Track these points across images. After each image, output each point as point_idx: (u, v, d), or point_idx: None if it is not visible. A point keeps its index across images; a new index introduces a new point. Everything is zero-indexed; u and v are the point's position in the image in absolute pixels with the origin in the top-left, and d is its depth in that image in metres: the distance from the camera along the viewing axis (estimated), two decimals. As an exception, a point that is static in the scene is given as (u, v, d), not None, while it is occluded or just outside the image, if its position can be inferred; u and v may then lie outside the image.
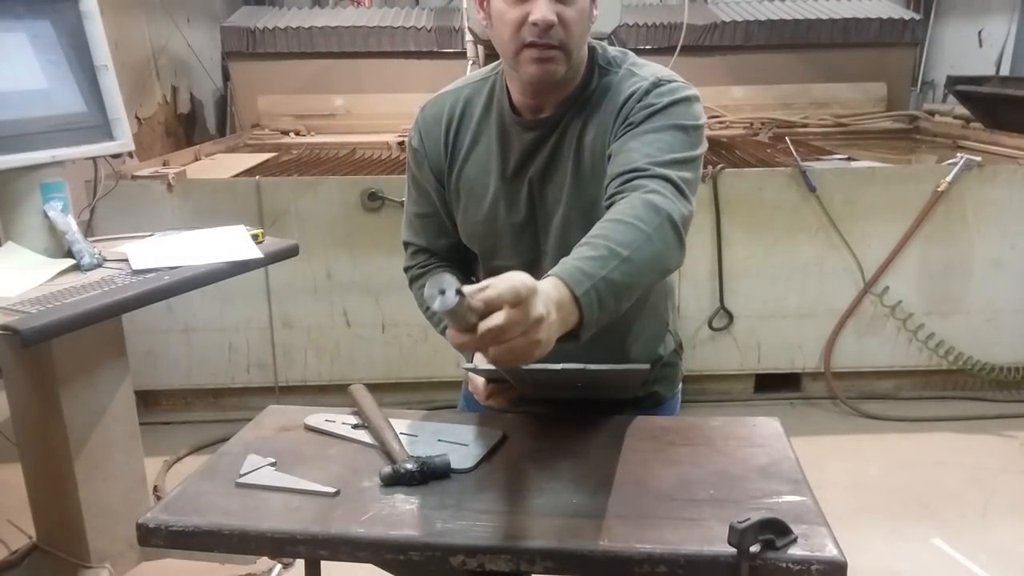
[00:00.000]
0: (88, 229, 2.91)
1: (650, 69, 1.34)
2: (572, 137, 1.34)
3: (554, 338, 0.97)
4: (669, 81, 1.30)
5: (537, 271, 1.40)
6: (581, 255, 1.08)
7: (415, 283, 1.53)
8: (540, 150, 1.36)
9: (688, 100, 1.28)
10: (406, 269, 1.55)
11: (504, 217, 1.39)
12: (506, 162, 1.38)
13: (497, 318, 0.90)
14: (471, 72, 1.49)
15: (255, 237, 2.16)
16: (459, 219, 1.45)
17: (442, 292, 0.86)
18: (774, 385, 3.67)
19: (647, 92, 1.28)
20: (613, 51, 1.39)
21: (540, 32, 1.23)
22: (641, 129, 1.25)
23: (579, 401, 1.45)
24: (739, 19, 5.16)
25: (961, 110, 4.60)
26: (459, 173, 1.41)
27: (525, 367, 1.09)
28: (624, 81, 1.32)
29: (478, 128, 1.40)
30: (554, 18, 1.22)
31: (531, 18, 1.22)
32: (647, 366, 1.25)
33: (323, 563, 1.27)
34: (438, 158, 1.42)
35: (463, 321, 0.91)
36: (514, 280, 0.92)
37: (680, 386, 1.60)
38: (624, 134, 1.27)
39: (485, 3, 1.31)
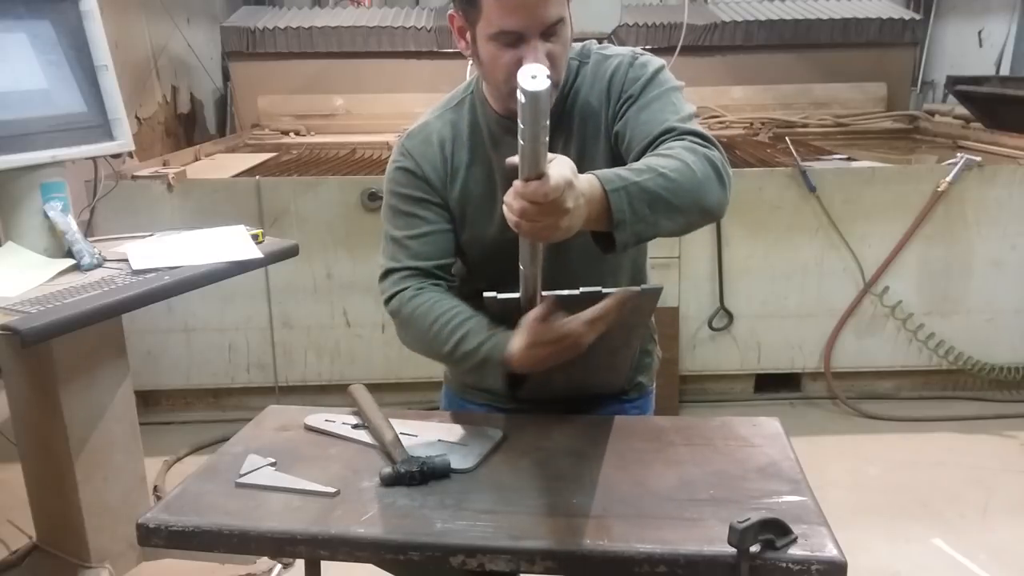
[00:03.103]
0: (88, 229, 2.91)
1: (615, 48, 1.41)
2: (564, 130, 1.37)
3: (576, 227, 1.05)
4: (641, 54, 1.39)
5: (560, 266, 1.38)
6: (621, 168, 1.15)
7: (412, 302, 1.36)
8: None
9: (663, 67, 1.37)
10: (392, 298, 1.39)
11: None
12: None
13: (544, 191, 0.97)
14: (462, 85, 1.48)
15: (255, 237, 2.16)
16: (467, 233, 1.42)
17: (534, 76, 0.87)
18: (774, 385, 3.67)
19: (631, 64, 1.35)
20: (576, 46, 1.42)
21: None
22: (644, 100, 1.31)
23: (573, 399, 1.47)
24: (739, 19, 5.16)
25: (961, 110, 4.59)
26: (463, 188, 1.40)
27: (545, 292, 1.14)
28: (600, 65, 1.38)
29: (471, 146, 1.40)
30: (547, 63, 1.23)
31: (525, 64, 1.23)
32: (661, 286, 1.24)
33: (323, 563, 1.27)
34: (437, 175, 1.39)
35: (537, 153, 0.94)
36: (564, 169, 1.00)
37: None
38: (628, 107, 1.32)
39: (467, 36, 1.30)
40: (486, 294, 1.19)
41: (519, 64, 1.23)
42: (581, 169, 1.32)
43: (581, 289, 1.15)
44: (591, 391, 1.50)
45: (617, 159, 1.34)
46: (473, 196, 1.40)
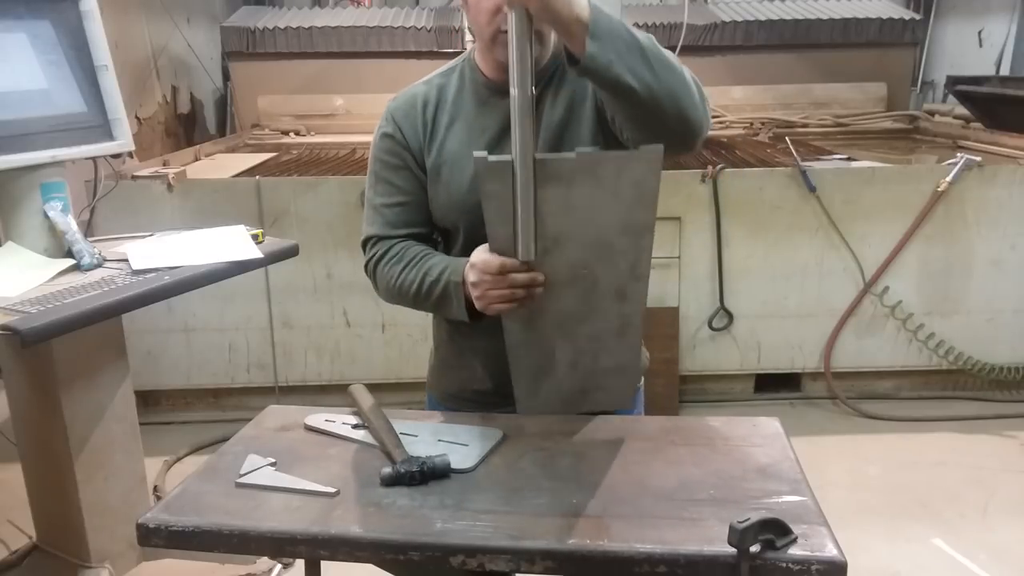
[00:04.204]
0: (88, 229, 2.91)
1: None
2: (554, 89, 1.40)
3: (562, 8, 1.11)
4: None
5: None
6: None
7: (382, 261, 1.47)
8: None
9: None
10: (369, 261, 1.50)
11: None
12: (489, 131, 1.42)
13: None
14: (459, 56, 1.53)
15: (255, 237, 2.16)
16: (440, 196, 1.45)
17: None
18: (774, 385, 3.67)
19: None
20: None
21: None
22: None
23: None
24: (739, 19, 5.16)
25: (961, 110, 4.60)
26: (440, 149, 1.44)
27: (537, 156, 1.16)
28: None
29: (455, 107, 1.45)
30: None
31: (505, 7, 1.26)
32: (660, 147, 1.18)
33: (323, 563, 1.27)
34: (416, 140, 1.45)
35: None
36: None
37: None
38: None
39: None
40: (476, 153, 1.18)
41: (499, 8, 1.29)
42: (566, 133, 1.36)
43: (577, 150, 1.17)
44: (594, 405, 1.44)
45: (603, 125, 1.37)
46: (449, 157, 1.44)
